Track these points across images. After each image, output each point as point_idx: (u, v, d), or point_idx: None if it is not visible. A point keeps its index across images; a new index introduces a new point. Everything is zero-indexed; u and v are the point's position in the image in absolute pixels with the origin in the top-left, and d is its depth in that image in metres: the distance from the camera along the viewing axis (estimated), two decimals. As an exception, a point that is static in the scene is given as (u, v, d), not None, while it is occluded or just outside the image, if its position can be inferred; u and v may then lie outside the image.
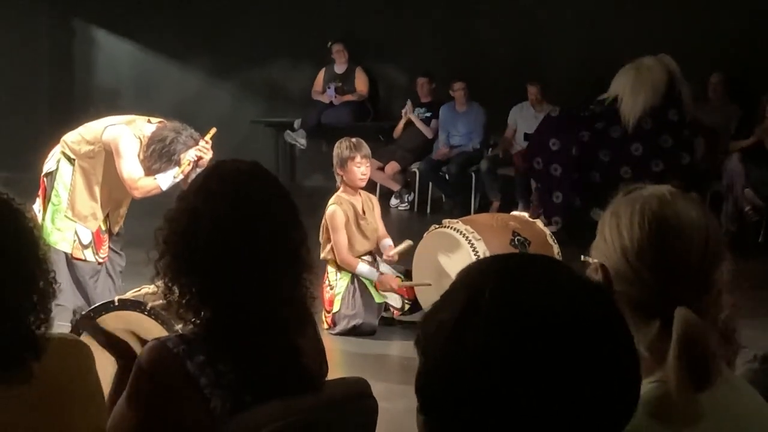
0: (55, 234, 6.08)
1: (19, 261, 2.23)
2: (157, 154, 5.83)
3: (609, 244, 1.76)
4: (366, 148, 6.68)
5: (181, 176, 5.83)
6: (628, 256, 1.72)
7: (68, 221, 6.12)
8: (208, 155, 5.84)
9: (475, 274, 1.38)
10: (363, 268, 6.64)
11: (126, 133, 5.93)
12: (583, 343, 1.30)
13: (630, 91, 9.67)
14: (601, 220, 1.81)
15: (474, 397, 1.30)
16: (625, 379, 1.35)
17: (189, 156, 5.82)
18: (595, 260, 1.78)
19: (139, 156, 5.89)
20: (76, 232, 6.12)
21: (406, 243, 6.81)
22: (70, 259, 6.12)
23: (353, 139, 6.70)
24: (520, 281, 1.34)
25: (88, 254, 6.16)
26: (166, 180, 5.82)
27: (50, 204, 6.14)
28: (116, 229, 6.36)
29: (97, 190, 6.12)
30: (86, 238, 6.14)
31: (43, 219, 6.09)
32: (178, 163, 5.84)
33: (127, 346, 2.75)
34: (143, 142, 5.90)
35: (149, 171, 5.87)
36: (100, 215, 6.18)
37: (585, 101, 10.37)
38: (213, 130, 6.05)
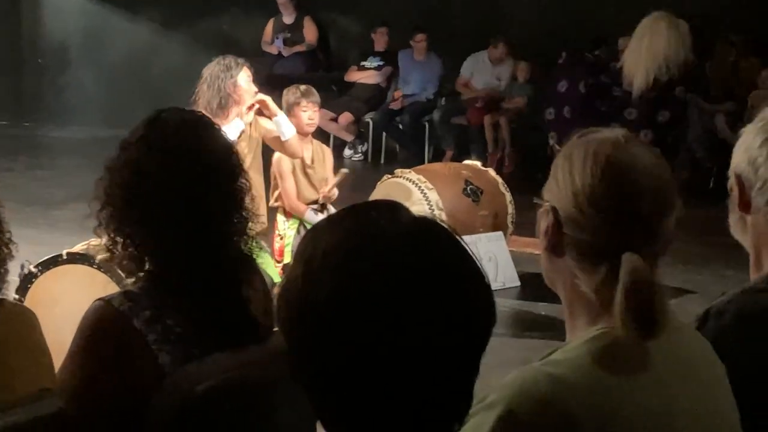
0: None
1: None
2: (209, 93, 5.88)
3: (561, 188, 1.73)
4: (315, 95, 6.63)
5: (242, 124, 5.91)
6: (579, 201, 1.70)
7: None
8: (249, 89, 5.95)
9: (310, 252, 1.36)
10: (311, 215, 6.61)
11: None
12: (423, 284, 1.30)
13: (634, 58, 9.29)
14: (554, 163, 1.78)
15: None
16: (478, 309, 1.35)
17: (241, 83, 5.90)
18: (547, 203, 1.76)
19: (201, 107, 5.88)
20: None
21: (341, 172, 6.72)
22: None
23: (302, 86, 6.66)
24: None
25: None
26: (230, 130, 5.76)
27: None
28: None
29: None
30: None
31: None
32: (229, 95, 5.89)
33: None
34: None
35: (213, 114, 5.81)
36: None
37: (551, 52, 10.27)
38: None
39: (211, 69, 6.01)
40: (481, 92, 11.27)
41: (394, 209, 1.37)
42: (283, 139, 6.06)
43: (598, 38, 10.49)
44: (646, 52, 9.16)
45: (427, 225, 1.37)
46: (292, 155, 6.30)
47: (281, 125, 6.08)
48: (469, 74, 11.49)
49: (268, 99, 6.10)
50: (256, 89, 6.06)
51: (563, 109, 9.72)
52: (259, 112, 6.12)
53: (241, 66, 6.02)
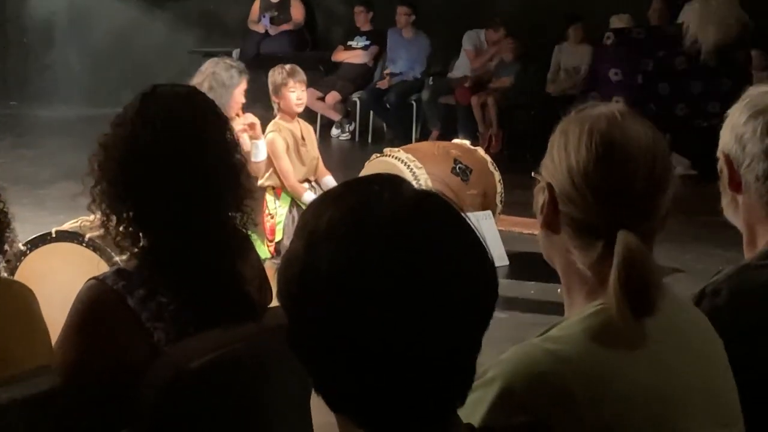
0: None
1: None
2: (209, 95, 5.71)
3: (556, 164, 1.73)
4: (301, 74, 6.60)
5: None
6: (574, 177, 1.70)
7: None
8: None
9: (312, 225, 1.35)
10: (309, 196, 6.61)
11: None
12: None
13: (698, 22, 9.07)
14: (551, 139, 1.78)
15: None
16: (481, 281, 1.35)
17: (236, 94, 5.85)
18: (544, 178, 1.75)
19: None
20: None
21: None
22: None
23: (288, 66, 6.62)
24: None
25: None
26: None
27: None
28: None
29: None
30: None
31: None
32: (226, 104, 5.72)
33: None
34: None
35: None
36: None
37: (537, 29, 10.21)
38: None
39: (215, 69, 5.85)
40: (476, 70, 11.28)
41: (395, 182, 1.37)
42: (253, 160, 6.04)
43: (574, 15, 10.50)
44: (711, 9, 8.99)
45: (429, 198, 1.37)
46: (255, 175, 6.31)
47: (258, 148, 6.13)
48: (472, 48, 11.48)
49: (257, 122, 6.10)
50: (243, 101, 6.03)
51: (612, 98, 9.08)
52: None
53: (244, 76, 5.95)
